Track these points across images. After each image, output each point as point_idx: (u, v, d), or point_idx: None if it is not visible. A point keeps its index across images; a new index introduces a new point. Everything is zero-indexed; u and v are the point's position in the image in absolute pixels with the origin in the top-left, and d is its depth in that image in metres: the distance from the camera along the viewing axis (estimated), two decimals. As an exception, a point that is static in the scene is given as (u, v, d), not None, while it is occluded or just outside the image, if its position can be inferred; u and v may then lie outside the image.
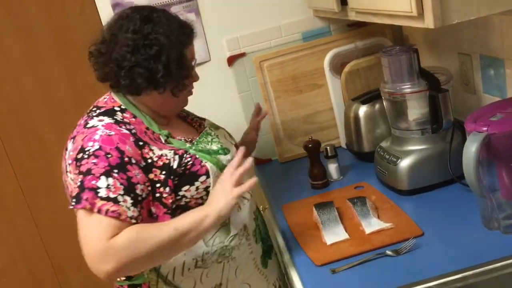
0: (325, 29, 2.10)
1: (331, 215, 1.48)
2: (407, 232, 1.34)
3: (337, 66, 2.00)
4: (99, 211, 1.10)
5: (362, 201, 1.50)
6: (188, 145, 1.32)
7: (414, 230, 1.35)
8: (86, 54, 1.35)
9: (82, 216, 1.12)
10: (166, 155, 1.25)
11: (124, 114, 1.28)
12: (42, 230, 2.26)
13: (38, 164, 2.18)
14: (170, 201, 1.24)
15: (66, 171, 1.24)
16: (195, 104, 1.47)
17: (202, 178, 1.28)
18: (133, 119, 1.28)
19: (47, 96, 2.12)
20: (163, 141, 1.29)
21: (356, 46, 2.01)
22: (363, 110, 1.82)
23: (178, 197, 1.26)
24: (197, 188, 1.27)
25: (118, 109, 1.29)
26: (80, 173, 1.16)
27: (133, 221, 1.13)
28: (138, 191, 1.17)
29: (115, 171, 1.15)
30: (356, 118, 1.84)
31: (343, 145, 2.00)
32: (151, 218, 1.23)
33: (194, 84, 1.41)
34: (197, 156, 1.28)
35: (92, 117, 1.26)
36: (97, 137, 1.19)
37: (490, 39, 1.53)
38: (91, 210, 1.11)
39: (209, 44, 2.06)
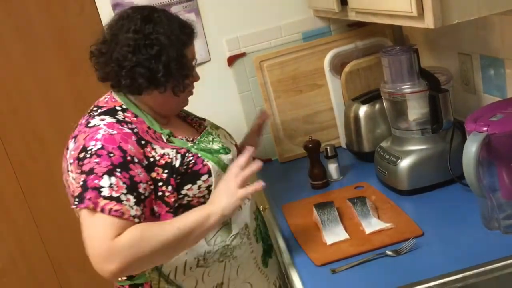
0: (325, 29, 2.10)
1: (331, 215, 1.48)
2: (407, 232, 1.34)
3: (337, 66, 2.00)
4: (102, 211, 1.11)
5: (362, 201, 1.50)
6: (190, 144, 1.32)
7: (414, 230, 1.35)
8: (86, 54, 1.35)
9: (85, 216, 1.13)
10: (168, 154, 1.25)
11: (126, 114, 1.28)
12: (42, 230, 2.26)
13: (38, 164, 2.18)
14: (173, 199, 1.24)
15: (68, 171, 1.25)
16: (195, 104, 1.47)
17: (204, 177, 1.28)
18: (135, 119, 1.28)
19: (47, 96, 2.12)
20: (165, 140, 1.29)
21: (356, 46, 2.01)
22: (363, 110, 1.82)
23: (181, 196, 1.26)
24: (199, 187, 1.28)
25: (119, 108, 1.29)
26: (82, 172, 1.16)
27: (136, 220, 1.14)
28: (141, 190, 1.17)
29: (118, 170, 1.15)
30: (356, 118, 1.84)
31: (343, 145, 2.00)
32: (154, 217, 1.23)
33: (195, 84, 1.41)
34: (199, 155, 1.29)
35: (93, 117, 1.27)
36: (99, 136, 1.19)
37: (490, 39, 1.53)
38: (94, 210, 1.11)
39: (209, 44, 2.06)
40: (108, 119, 1.25)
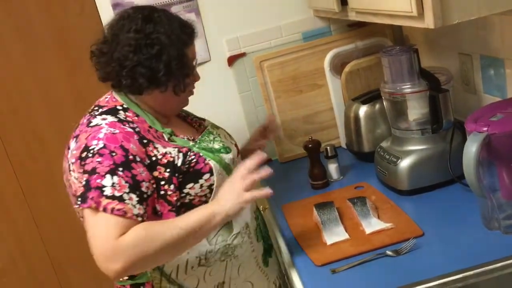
0: (326, 29, 2.10)
1: (331, 215, 1.48)
2: (407, 232, 1.34)
3: (338, 66, 2.00)
4: (104, 210, 1.11)
5: (362, 201, 1.50)
6: (191, 143, 1.33)
7: (414, 230, 1.35)
8: (86, 54, 1.35)
9: (88, 215, 1.13)
10: (170, 153, 1.25)
11: (127, 113, 1.29)
12: (42, 230, 2.26)
13: (38, 164, 2.18)
14: (175, 198, 1.24)
15: (70, 170, 1.25)
16: (195, 104, 1.47)
17: (206, 176, 1.28)
18: (136, 118, 1.29)
19: (47, 96, 2.12)
20: (166, 139, 1.29)
21: (357, 46, 2.01)
22: (363, 110, 1.82)
23: (183, 195, 1.26)
24: (201, 186, 1.28)
25: (120, 108, 1.30)
26: (84, 172, 1.16)
27: (139, 218, 1.14)
28: (143, 189, 1.17)
29: (120, 169, 1.15)
30: (356, 118, 1.84)
31: (343, 145, 2.00)
32: (156, 215, 1.23)
33: (195, 84, 1.41)
34: (200, 154, 1.29)
35: (95, 116, 1.27)
36: (101, 135, 1.19)
37: (490, 39, 1.53)
38: (96, 209, 1.11)
39: (209, 44, 2.06)
40: (110, 118, 1.25)
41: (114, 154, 1.16)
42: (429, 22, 1.12)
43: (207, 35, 2.05)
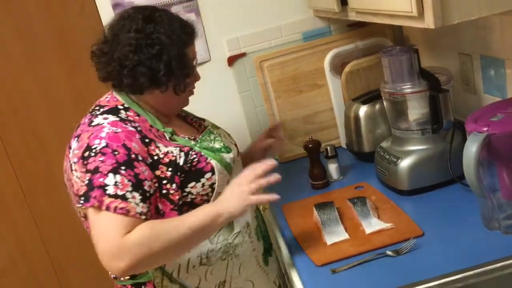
0: (326, 29, 2.10)
1: (331, 215, 1.48)
2: (408, 232, 1.34)
3: (338, 66, 2.00)
4: (107, 209, 1.11)
5: (362, 201, 1.50)
6: (192, 142, 1.33)
7: (414, 230, 1.35)
8: (86, 54, 1.35)
9: (91, 215, 1.14)
10: (172, 152, 1.26)
11: (128, 113, 1.29)
12: (42, 230, 2.26)
13: (38, 164, 2.18)
14: (177, 197, 1.25)
15: (72, 170, 1.25)
16: (195, 104, 1.47)
17: (208, 175, 1.29)
18: (137, 117, 1.29)
19: (47, 96, 2.12)
20: (168, 139, 1.30)
21: (357, 46, 2.01)
22: (363, 110, 1.82)
23: (185, 194, 1.27)
24: (203, 185, 1.28)
25: (121, 107, 1.30)
26: (87, 171, 1.16)
27: (143, 217, 1.14)
28: (146, 188, 1.18)
29: (123, 168, 1.16)
30: (357, 118, 1.84)
31: (343, 145, 2.00)
32: (158, 214, 1.24)
33: (195, 84, 1.41)
34: (202, 153, 1.30)
35: (96, 116, 1.27)
36: (103, 134, 1.20)
37: (491, 39, 1.53)
38: (99, 208, 1.12)
39: (209, 44, 2.06)
40: (112, 117, 1.25)
41: (116, 153, 1.17)
42: (429, 22, 1.12)
43: (207, 35, 2.05)
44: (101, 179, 1.14)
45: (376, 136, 1.81)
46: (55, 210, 2.22)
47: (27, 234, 2.25)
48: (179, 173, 1.25)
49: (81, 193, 1.15)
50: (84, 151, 1.19)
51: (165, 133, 1.31)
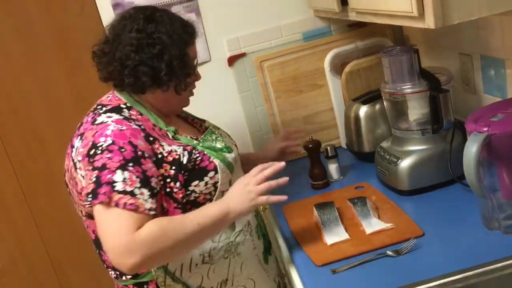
0: (326, 29, 2.10)
1: (332, 215, 1.48)
2: (408, 232, 1.34)
3: (338, 66, 2.00)
4: (116, 205, 1.12)
5: (363, 201, 1.50)
6: (195, 142, 1.34)
7: (414, 230, 1.35)
8: (87, 54, 1.36)
9: (100, 211, 1.14)
10: (175, 151, 1.26)
11: (131, 112, 1.30)
12: (42, 230, 2.26)
13: (38, 164, 2.18)
14: (181, 196, 1.25)
15: (76, 168, 1.25)
16: (196, 104, 1.47)
17: (211, 173, 1.30)
18: (140, 116, 1.30)
19: (47, 96, 2.12)
20: (171, 138, 1.31)
21: (357, 46, 2.01)
22: (363, 110, 1.82)
23: (188, 192, 1.27)
24: (206, 183, 1.29)
25: (124, 106, 1.31)
26: (94, 168, 1.16)
27: (152, 212, 1.15)
28: (153, 184, 1.18)
29: (130, 164, 1.16)
30: (357, 118, 1.83)
31: (344, 145, 2.00)
32: (162, 212, 1.24)
33: (195, 84, 1.41)
34: (205, 153, 1.31)
35: (99, 114, 1.27)
36: (108, 132, 1.20)
37: (491, 40, 1.53)
38: (108, 204, 1.12)
39: (210, 44, 2.06)
40: (115, 116, 1.26)
41: (123, 150, 1.17)
42: (429, 22, 1.12)
43: (207, 35, 2.05)
44: (109, 176, 1.14)
45: (376, 136, 1.81)
46: (55, 210, 2.22)
47: (27, 234, 2.25)
48: (182, 172, 1.25)
49: (88, 190, 1.15)
50: (90, 149, 1.19)
51: (168, 132, 1.31)
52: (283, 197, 1.29)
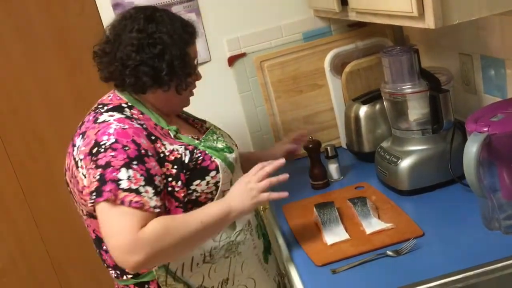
0: (326, 29, 2.10)
1: (332, 215, 1.48)
2: (408, 232, 1.34)
3: (338, 66, 2.00)
4: (122, 203, 1.12)
5: (363, 201, 1.50)
6: (196, 141, 1.34)
7: (414, 231, 1.35)
8: (87, 54, 1.36)
9: (104, 209, 1.14)
10: (177, 150, 1.27)
11: (132, 111, 1.30)
12: (42, 230, 2.26)
13: (38, 164, 2.18)
14: (182, 195, 1.26)
15: (77, 167, 1.25)
16: (196, 104, 1.48)
17: (213, 173, 1.30)
18: (141, 116, 1.30)
19: (47, 96, 2.12)
20: (172, 137, 1.31)
21: (357, 46, 2.01)
22: (363, 110, 1.82)
23: (190, 191, 1.28)
24: (207, 183, 1.30)
25: (125, 105, 1.31)
26: (97, 166, 1.16)
27: (157, 210, 1.15)
28: (157, 183, 1.19)
29: (134, 163, 1.16)
30: (357, 118, 1.83)
31: (344, 145, 2.00)
32: (164, 211, 1.24)
33: (195, 84, 1.42)
34: (206, 152, 1.31)
35: (101, 113, 1.28)
36: (111, 130, 1.20)
37: (491, 40, 1.53)
38: (114, 202, 1.12)
39: (210, 44, 2.06)
40: (117, 115, 1.26)
41: (127, 148, 1.17)
42: (429, 22, 1.12)
43: (207, 35, 2.05)
44: (114, 174, 1.14)
45: (377, 136, 1.81)
46: (55, 210, 2.22)
47: (27, 234, 2.25)
48: (184, 171, 1.26)
49: (92, 189, 1.15)
50: (92, 148, 1.20)
51: (169, 131, 1.32)
52: (284, 194, 1.30)
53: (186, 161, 1.27)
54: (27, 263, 2.29)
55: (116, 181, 1.13)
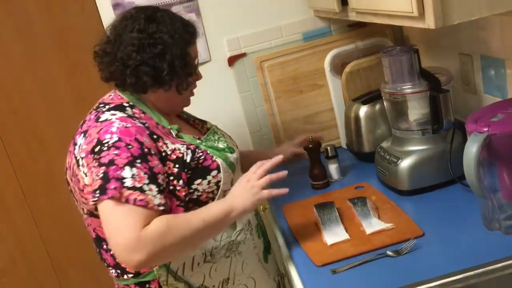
0: (326, 29, 2.10)
1: (332, 215, 1.48)
2: (408, 232, 1.34)
3: (338, 66, 2.00)
4: (126, 201, 1.12)
5: (363, 201, 1.50)
6: (198, 141, 1.35)
7: (414, 231, 1.35)
8: (86, 54, 1.36)
9: (108, 207, 1.14)
10: (179, 149, 1.27)
11: (134, 110, 1.30)
12: (42, 230, 2.26)
13: (38, 164, 2.18)
14: (183, 193, 1.26)
15: (78, 165, 1.25)
16: (196, 104, 1.48)
17: (214, 172, 1.30)
18: (143, 115, 1.31)
19: (47, 96, 2.12)
20: (174, 136, 1.31)
21: (357, 46, 2.01)
22: (363, 110, 1.82)
23: (191, 191, 1.28)
24: (209, 182, 1.30)
25: (127, 105, 1.31)
26: (101, 164, 1.16)
27: (161, 207, 1.16)
28: (160, 181, 1.19)
29: (138, 161, 1.17)
30: (357, 118, 1.83)
31: (344, 146, 2.00)
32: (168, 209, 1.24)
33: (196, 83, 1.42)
34: (208, 152, 1.31)
35: (103, 112, 1.28)
36: (114, 129, 1.20)
37: (491, 40, 1.53)
38: (118, 200, 1.12)
39: (210, 44, 2.06)
40: (119, 113, 1.27)
41: (130, 146, 1.18)
42: (429, 22, 1.12)
43: (207, 35, 2.05)
44: (118, 172, 1.14)
45: (376, 136, 1.81)
46: (55, 210, 2.22)
47: (27, 234, 2.25)
48: (186, 170, 1.26)
49: (95, 187, 1.15)
50: (95, 146, 1.20)
51: (171, 130, 1.32)
52: (285, 190, 1.31)
53: (188, 160, 1.27)
54: (27, 263, 2.29)
55: (120, 179, 1.14)
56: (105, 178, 1.14)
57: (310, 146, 1.76)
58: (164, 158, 1.24)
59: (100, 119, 1.25)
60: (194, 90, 1.43)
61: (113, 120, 1.23)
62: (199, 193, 1.29)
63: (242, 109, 2.13)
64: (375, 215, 1.45)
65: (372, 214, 1.45)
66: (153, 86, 1.30)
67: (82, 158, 1.23)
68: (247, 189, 1.27)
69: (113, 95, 1.35)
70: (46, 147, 2.16)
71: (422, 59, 1.60)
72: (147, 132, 1.24)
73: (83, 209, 1.32)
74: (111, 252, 1.31)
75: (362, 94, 1.90)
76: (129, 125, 1.22)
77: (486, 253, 1.18)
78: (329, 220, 1.46)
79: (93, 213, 1.27)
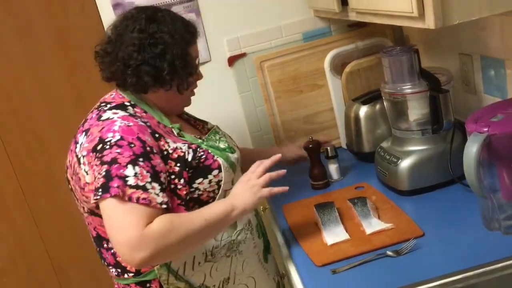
0: (326, 29, 2.10)
1: (332, 215, 1.48)
2: (408, 232, 1.34)
3: (338, 67, 2.00)
4: (129, 199, 1.12)
5: (363, 201, 1.50)
6: (199, 140, 1.35)
7: (414, 231, 1.35)
8: (86, 54, 1.36)
9: (111, 205, 1.14)
10: (180, 148, 1.28)
11: (135, 109, 1.31)
12: (42, 230, 2.26)
13: (38, 164, 2.18)
14: (184, 192, 1.27)
15: (80, 164, 1.25)
16: (196, 104, 1.48)
17: (215, 172, 1.31)
18: (144, 114, 1.31)
19: (47, 96, 2.12)
20: (176, 134, 1.32)
21: (357, 46, 2.01)
22: (363, 110, 1.82)
23: (192, 189, 1.29)
24: (210, 181, 1.31)
25: (128, 104, 1.32)
26: (103, 163, 1.16)
27: (164, 206, 1.16)
28: (162, 179, 1.20)
29: (140, 159, 1.17)
30: (357, 118, 1.83)
31: (344, 146, 2.00)
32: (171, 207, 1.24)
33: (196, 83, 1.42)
34: (209, 151, 1.32)
35: (104, 111, 1.28)
36: (116, 128, 1.21)
37: (491, 40, 1.53)
38: (121, 198, 1.12)
39: (210, 44, 2.06)
40: (121, 112, 1.27)
41: (132, 145, 1.18)
42: (429, 22, 1.12)
43: (207, 35, 2.05)
44: (120, 170, 1.14)
45: (376, 136, 1.81)
46: (55, 210, 2.22)
47: (27, 234, 2.25)
48: (187, 169, 1.27)
49: (97, 185, 1.15)
50: (97, 144, 1.20)
51: (173, 129, 1.32)
52: (285, 188, 1.32)
53: (189, 159, 1.27)
54: (27, 263, 2.29)
55: (123, 178, 1.14)
56: (108, 177, 1.14)
57: (310, 146, 1.76)
58: (165, 157, 1.25)
59: (102, 118, 1.25)
60: (195, 90, 1.43)
61: (115, 119, 1.24)
62: (200, 192, 1.30)
63: (242, 109, 2.13)
64: (375, 215, 1.45)
65: (372, 214, 1.45)
66: (154, 86, 1.30)
67: (83, 156, 1.23)
68: (248, 188, 1.28)
69: (115, 95, 1.35)
70: (46, 147, 2.16)
71: (422, 59, 1.60)
72: (149, 130, 1.25)
73: (83, 208, 1.32)
74: (112, 251, 1.32)
75: (362, 94, 1.90)
76: (131, 123, 1.22)
77: (486, 253, 1.18)
78: (329, 220, 1.46)
79: (94, 212, 1.27)
